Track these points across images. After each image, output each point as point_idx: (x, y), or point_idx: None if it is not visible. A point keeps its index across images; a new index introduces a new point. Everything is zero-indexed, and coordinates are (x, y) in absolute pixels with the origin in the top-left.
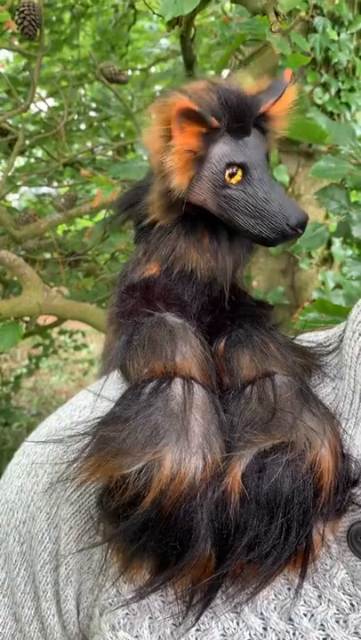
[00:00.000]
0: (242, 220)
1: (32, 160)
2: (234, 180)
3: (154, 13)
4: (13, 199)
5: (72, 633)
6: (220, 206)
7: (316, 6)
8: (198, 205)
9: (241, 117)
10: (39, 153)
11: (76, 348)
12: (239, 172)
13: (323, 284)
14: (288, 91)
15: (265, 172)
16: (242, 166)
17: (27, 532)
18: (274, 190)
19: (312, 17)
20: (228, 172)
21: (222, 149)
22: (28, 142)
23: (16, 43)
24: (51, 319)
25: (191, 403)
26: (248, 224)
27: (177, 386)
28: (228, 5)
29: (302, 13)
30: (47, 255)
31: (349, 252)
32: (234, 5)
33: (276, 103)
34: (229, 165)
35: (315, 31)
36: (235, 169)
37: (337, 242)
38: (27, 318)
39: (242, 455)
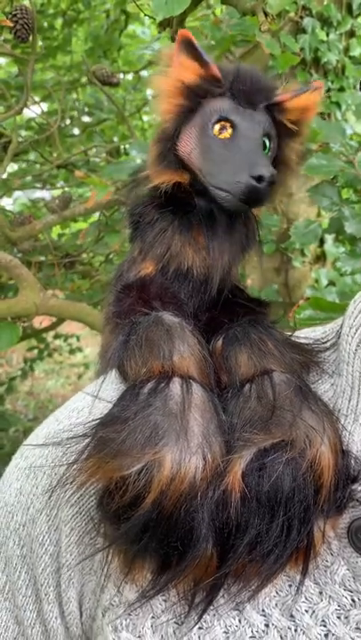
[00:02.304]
0: (209, 168)
1: (24, 165)
2: (222, 136)
3: (145, 15)
4: (7, 204)
5: (75, 635)
6: (200, 157)
7: (304, 7)
8: (184, 161)
9: (247, 87)
10: (32, 157)
11: (72, 352)
12: (230, 130)
13: (316, 281)
14: (309, 93)
15: (256, 142)
16: (233, 125)
17: (27, 535)
18: (256, 155)
19: (301, 18)
20: (218, 126)
21: (219, 104)
22: (21, 146)
23: (8, 47)
24: (46, 322)
25: (190, 402)
26: (213, 173)
27: (175, 385)
28: (218, 10)
29: (291, 14)
30: (42, 258)
31: (342, 250)
32: (224, 8)
33: (294, 99)
34: (221, 119)
35: (304, 32)
36: (226, 125)
37: (329, 239)
38: (23, 319)
39: (242, 454)
